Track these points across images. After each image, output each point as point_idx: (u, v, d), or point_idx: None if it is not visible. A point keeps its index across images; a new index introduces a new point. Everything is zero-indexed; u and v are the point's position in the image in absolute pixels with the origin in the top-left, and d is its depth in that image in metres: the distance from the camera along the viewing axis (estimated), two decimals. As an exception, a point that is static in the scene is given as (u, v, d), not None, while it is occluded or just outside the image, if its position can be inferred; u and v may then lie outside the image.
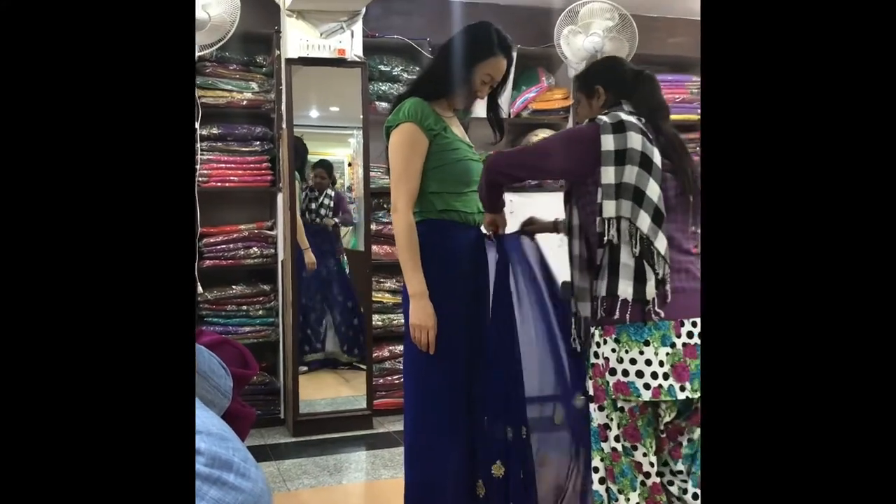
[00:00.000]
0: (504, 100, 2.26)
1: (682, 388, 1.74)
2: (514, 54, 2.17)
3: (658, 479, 1.82)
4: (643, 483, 1.81)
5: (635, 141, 1.76)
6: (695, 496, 1.82)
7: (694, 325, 1.78)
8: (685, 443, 1.85)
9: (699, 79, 4.78)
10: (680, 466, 1.85)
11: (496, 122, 2.25)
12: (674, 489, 1.85)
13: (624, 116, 1.81)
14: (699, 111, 4.77)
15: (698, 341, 1.77)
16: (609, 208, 1.77)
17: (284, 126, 3.91)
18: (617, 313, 1.76)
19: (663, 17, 4.85)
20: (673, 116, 5.34)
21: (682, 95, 4.74)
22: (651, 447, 1.81)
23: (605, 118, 1.82)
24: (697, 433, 1.84)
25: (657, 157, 1.78)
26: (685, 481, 1.84)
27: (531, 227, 2.20)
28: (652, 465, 1.80)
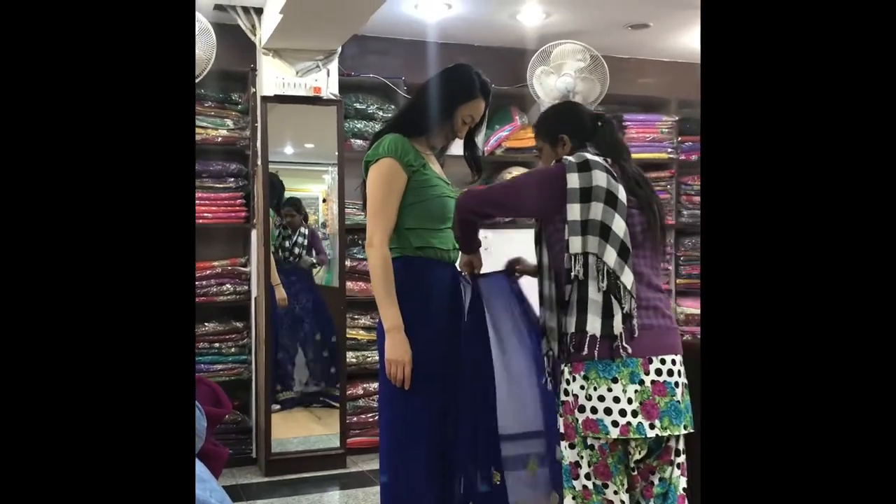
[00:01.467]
0: (479, 138, 2.29)
1: (652, 426, 1.75)
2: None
3: None
4: None
5: (600, 178, 1.80)
6: None
7: (662, 362, 1.79)
8: (656, 482, 1.85)
9: (669, 118, 4.89)
10: None
11: (473, 160, 2.29)
12: None
13: (589, 156, 1.86)
14: (669, 150, 4.87)
15: (667, 378, 1.78)
16: (576, 244, 1.79)
17: (259, 163, 3.92)
18: (585, 349, 1.77)
19: (633, 58, 4.96)
20: (643, 155, 5.44)
21: (653, 134, 4.83)
22: (622, 485, 1.80)
23: (570, 158, 1.86)
24: (668, 472, 1.84)
25: (622, 194, 1.82)
26: None
27: (519, 267, 2.20)
28: (623, 502, 1.80)
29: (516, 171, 4.54)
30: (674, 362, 1.81)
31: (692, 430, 1.81)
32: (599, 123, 1.99)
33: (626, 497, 1.80)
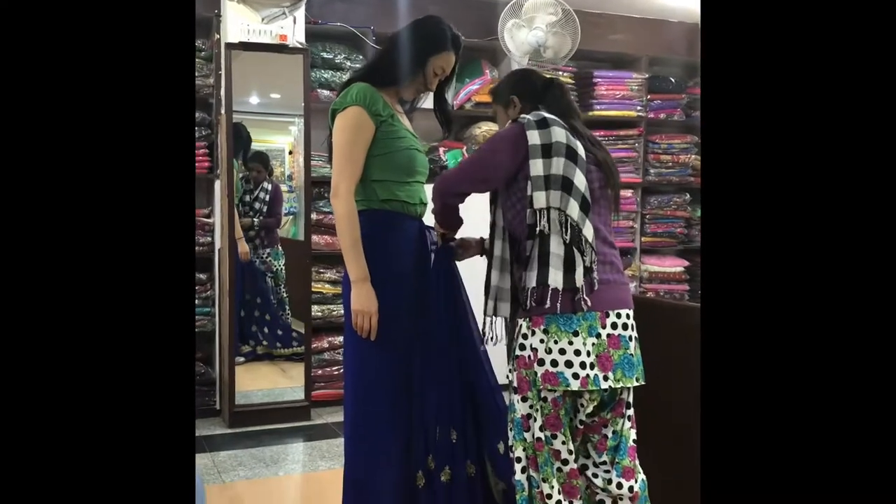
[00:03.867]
0: (448, 94, 2.27)
1: (606, 378, 1.80)
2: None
3: (574, 465, 1.87)
4: (560, 469, 1.86)
5: (560, 135, 1.84)
6: (619, 486, 1.88)
7: (618, 316, 1.84)
8: (610, 435, 1.91)
9: (639, 76, 4.87)
10: (604, 458, 1.91)
11: (443, 115, 2.26)
12: (598, 481, 1.91)
13: (546, 114, 1.89)
14: (638, 108, 4.87)
15: (621, 332, 1.84)
16: (540, 199, 1.82)
17: (223, 112, 3.84)
18: (548, 302, 1.80)
19: (606, 13, 4.92)
20: (612, 112, 5.40)
21: (623, 92, 4.81)
22: (567, 435, 1.86)
23: (528, 116, 1.89)
24: (620, 424, 1.90)
25: (581, 150, 1.86)
26: (608, 471, 1.90)
27: (463, 253, 2.20)
28: (570, 452, 1.86)
29: (486, 126, 4.51)
30: (628, 316, 1.87)
31: (643, 383, 1.87)
32: (550, 86, 2.02)
33: (571, 446, 1.86)
